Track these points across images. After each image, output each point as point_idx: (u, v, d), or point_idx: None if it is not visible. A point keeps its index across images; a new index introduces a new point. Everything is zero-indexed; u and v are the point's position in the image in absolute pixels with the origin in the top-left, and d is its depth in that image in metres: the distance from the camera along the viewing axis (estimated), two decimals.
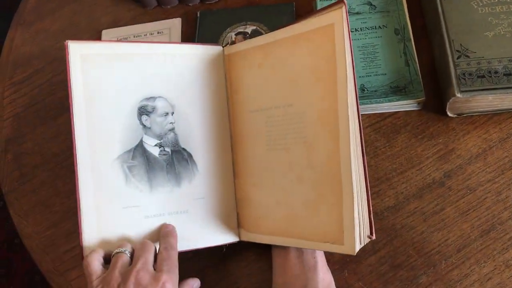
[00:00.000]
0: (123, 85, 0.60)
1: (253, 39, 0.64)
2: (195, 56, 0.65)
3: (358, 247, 0.50)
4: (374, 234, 0.52)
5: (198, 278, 0.61)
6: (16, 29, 0.90)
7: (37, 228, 0.72)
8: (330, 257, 0.63)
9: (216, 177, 0.63)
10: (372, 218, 0.52)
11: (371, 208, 0.52)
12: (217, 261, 0.65)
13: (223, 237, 0.62)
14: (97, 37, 0.86)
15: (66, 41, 0.58)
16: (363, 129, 0.69)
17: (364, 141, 0.68)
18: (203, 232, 0.61)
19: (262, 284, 0.63)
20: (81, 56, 0.58)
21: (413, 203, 0.65)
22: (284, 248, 0.57)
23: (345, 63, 0.52)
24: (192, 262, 0.64)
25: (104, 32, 0.86)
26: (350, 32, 0.53)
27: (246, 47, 0.64)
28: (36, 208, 0.73)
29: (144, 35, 0.85)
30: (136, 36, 0.84)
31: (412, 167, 0.67)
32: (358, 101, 0.53)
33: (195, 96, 0.63)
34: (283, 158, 0.58)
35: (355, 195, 0.50)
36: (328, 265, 0.60)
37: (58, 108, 0.81)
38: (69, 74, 0.57)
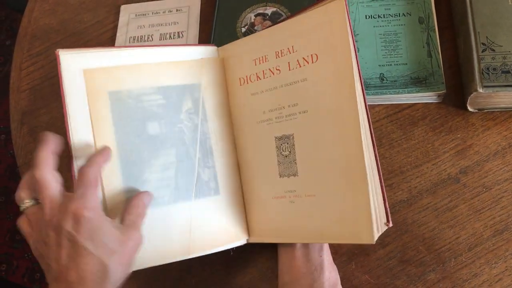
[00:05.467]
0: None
1: (247, 39, 0.62)
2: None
3: (376, 236, 0.49)
4: (390, 221, 0.50)
5: (206, 284, 0.61)
6: (35, 1, 0.90)
7: None
8: (338, 249, 0.63)
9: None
10: (387, 205, 0.51)
11: (385, 196, 0.51)
12: (224, 265, 0.63)
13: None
14: (115, 12, 0.85)
15: (57, 50, 0.55)
16: (380, 120, 0.68)
17: (380, 132, 0.67)
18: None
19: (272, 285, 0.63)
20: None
21: (426, 198, 0.64)
22: (291, 247, 0.57)
23: (350, 51, 0.51)
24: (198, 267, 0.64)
25: (122, 7, 0.85)
26: (350, 23, 0.52)
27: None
28: None
29: (163, 12, 0.84)
30: (155, 13, 0.83)
31: (427, 161, 0.66)
32: (365, 92, 0.52)
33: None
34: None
35: (369, 183, 0.49)
36: (336, 257, 0.60)
37: None
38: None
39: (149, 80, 0.58)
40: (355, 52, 0.52)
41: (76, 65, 0.54)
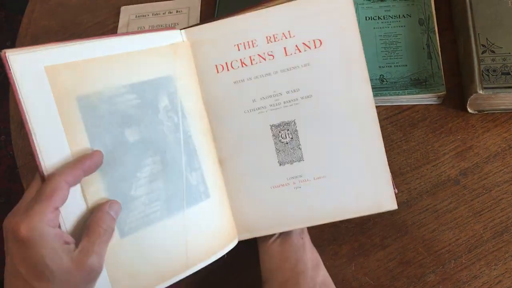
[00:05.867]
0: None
1: (223, 22, 0.57)
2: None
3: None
4: (396, 188, 0.55)
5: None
6: (35, 2, 0.90)
7: None
8: (338, 250, 0.63)
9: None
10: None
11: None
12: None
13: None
14: (115, 13, 0.85)
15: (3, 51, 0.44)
16: (380, 121, 0.68)
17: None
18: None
19: None
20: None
21: (426, 200, 0.64)
22: (270, 235, 0.57)
23: (358, 36, 0.54)
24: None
25: (122, 8, 0.85)
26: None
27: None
28: None
29: (163, 14, 0.84)
30: (155, 14, 0.83)
31: (427, 162, 0.66)
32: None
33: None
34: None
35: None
36: (335, 258, 0.60)
37: None
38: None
39: (119, 76, 0.50)
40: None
41: (35, 64, 0.45)
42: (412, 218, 0.63)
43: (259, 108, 0.56)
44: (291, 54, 0.55)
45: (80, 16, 0.87)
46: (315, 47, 0.54)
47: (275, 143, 0.56)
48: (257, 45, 0.56)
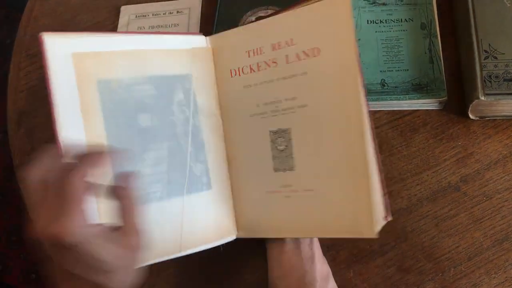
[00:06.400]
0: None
1: (241, 29, 0.60)
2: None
3: (376, 230, 0.48)
4: (390, 215, 0.49)
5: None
6: (35, 0, 0.89)
7: None
8: (336, 256, 0.62)
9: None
10: (387, 199, 0.49)
11: (385, 190, 0.50)
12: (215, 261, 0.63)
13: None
14: (115, 13, 0.84)
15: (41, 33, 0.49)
16: (380, 126, 0.68)
17: (380, 139, 0.67)
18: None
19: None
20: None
21: (426, 206, 0.63)
22: (280, 241, 0.56)
23: (355, 46, 0.50)
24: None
25: (122, 8, 0.84)
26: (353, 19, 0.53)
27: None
28: None
29: (163, 14, 0.83)
30: (155, 15, 0.83)
31: (428, 168, 0.65)
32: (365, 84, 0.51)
33: None
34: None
35: (370, 177, 0.49)
36: (334, 264, 0.59)
37: None
38: None
39: (140, 69, 0.55)
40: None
41: (64, 50, 0.50)
42: (412, 224, 0.62)
43: (261, 113, 0.57)
44: (291, 62, 0.55)
45: (80, 16, 0.86)
46: (314, 56, 0.53)
47: (272, 149, 0.56)
48: (263, 52, 0.57)
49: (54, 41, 0.49)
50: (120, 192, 0.45)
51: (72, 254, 0.39)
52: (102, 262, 0.40)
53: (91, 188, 0.43)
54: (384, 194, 0.50)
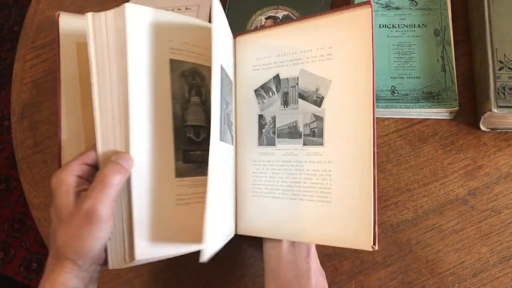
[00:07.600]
0: None
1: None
2: None
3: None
4: (377, 245, 0.48)
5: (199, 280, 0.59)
6: None
7: (46, 200, 0.71)
8: (339, 266, 0.61)
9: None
10: (376, 229, 0.48)
11: (376, 219, 0.48)
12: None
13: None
14: None
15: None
16: (388, 134, 0.66)
17: (388, 147, 0.65)
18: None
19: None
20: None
21: (432, 219, 0.62)
22: (277, 252, 0.55)
23: (371, 63, 0.50)
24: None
25: (131, 2, 0.83)
26: (373, 35, 0.50)
27: None
28: (47, 180, 0.72)
29: (171, 10, 0.81)
30: None
31: (435, 180, 0.63)
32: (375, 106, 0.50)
33: None
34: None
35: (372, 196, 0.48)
36: (335, 275, 0.58)
37: None
38: None
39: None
40: (373, 68, 0.50)
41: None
42: (417, 237, 0.61)
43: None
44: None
45: (87, 9, 0.85)
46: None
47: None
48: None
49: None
50: (106, 164, 0.48)
51: (53, 197, 0.48)
52: (59, 209, 0.47)
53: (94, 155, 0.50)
54: (375, 223, 0.48)
